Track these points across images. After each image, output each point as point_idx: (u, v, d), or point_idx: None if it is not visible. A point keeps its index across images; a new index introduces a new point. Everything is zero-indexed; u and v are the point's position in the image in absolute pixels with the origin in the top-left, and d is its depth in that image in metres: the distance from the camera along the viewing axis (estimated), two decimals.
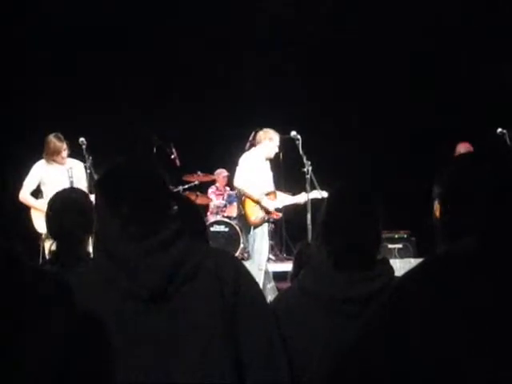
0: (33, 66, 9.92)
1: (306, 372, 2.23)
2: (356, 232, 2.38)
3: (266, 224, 7.76)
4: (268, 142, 7.64)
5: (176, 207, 2.24)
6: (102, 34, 10.03)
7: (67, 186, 6.85)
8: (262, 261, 7.33)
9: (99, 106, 10.02)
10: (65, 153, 7.31)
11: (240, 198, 7.90)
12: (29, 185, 7.36)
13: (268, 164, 7.76)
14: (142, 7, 10.26)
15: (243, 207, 7.83)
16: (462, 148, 8.51)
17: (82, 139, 7.43)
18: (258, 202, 7.64)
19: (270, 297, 6.87)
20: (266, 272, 6.97)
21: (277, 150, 7.69)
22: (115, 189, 2.18)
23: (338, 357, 1.69)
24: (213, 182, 10.94)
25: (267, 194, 7.69)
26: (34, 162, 7.43)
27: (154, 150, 9.69)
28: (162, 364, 2.00)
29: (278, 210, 7.68)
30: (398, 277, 2.39)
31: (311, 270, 2.44)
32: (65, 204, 3.25)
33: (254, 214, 7.67)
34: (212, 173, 10.70)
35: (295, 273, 3.27)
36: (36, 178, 7.37)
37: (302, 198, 7.69)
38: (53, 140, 7.28)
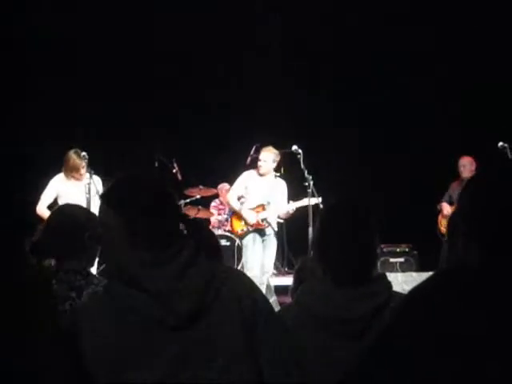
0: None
1: None
2: (351, 248, 2.34)
3: (256, 236, 7.90)
4: (262, 162, 7.87)
5: (184, 230, 2.22)
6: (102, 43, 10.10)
7: (83, 200, 7.06)
8: (255, 273, 7.42)
9: (99, 119, 10.07)
10: (83, 170, 7.42)
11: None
12: (46, 198, 7.43)
13: (266, 179, 7.97)
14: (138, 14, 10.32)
15: (231, 220, 8.42)
16: (466, 161, 8.52)
17: (83, 154, 7.44)
18: (239, 213, 8.00)
19: None
20: (268, 286, 7.00)
21: (269, 166, 7.90)
22: (130, 206, 2.11)
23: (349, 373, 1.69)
24: (215, 196, 10.93)
25: (255, 207, 7.90)
26: (53, 173, 7.55)
27: (156, 164, 9.69)
28: None
29: (263, 220, 7.83)
30: (397, 292, 2.39)
31: (308, 288, 2.43)
32: (56, 220, 3.28)
33: (238, 226, 8.06)
34: (215, 187, 10.70)
35: (295, 288, 3.26)
36: (53, 191, 7.47)
37: (305, 201, 7.84)
38: (72, 156, 7.41)
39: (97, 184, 7.48)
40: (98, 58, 10.17)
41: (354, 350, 2.15)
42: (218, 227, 10.21)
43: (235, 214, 8.23)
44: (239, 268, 9.24)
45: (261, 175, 7.95)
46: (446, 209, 8.65)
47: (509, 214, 1.57)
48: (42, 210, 7.30)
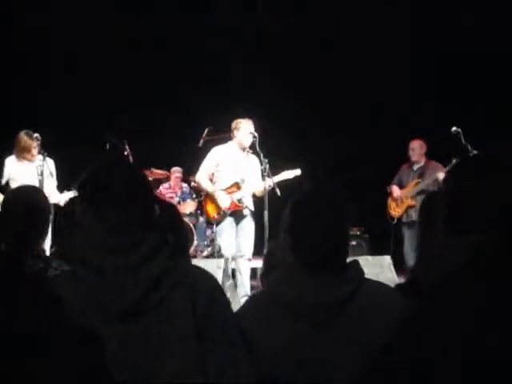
0: None
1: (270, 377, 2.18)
2: (323, 235, 2.31)
3: (232, 219, 7.48)
4: (236, 132, 7.48)
5: (158, 211, 2.20)
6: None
7: (36, 182, 6.92)
8: (227, 257, 7.19)
9: (51, 100, 9.90)
10: (35, 150, 7.30)
11: (200, 194, 7.86)
12: None
13: (240, 154, 7.55)
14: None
15: (204, 203, 7.73)
16: (415, 145, 8.59)
17: (36, 135, 7.32)
18: (213, 196, 7.50)
19: (228, 293, 6.87)
20: (225, 270, 6.93)
21: (249, 137, 7.42)
22: (101, 192, 2.12)
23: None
24: (166, 180, 10.85)
25: (229, 187, 7.49)
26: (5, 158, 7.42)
27: (107, 146, 9.55)
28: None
29: (239, 201, 7.42)
30: (368, 279, 2.37)
31: (279, 275, 2.40)
32: (16, 205, 3.22)
33: (213, 210, 7.53)
34: (167, 170, 10.62)
35: (265, 273, 3.23)
36: (5, 174, 7.36)
37: (283, 174, 7.43)
38: (24, 137, 7.31)
39: (50, 165, 7.37)
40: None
41: (324, 337, 2.18)
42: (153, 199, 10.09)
43: (208, 197, 7.63)
44: (192, 251, 9.25)
45: (243, 149, 7.49)
46: (396, 191, 8.70)
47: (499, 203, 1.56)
48: None
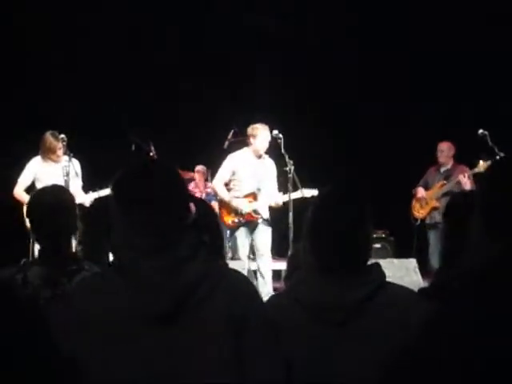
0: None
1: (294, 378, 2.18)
2: (344, 238, 2.29)
3: (247, 229, 7.52)
4: (252, 139, 7.47)
5: (194, 214, 2.18)
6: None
7: (61, 183, 6.91)
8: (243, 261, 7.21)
9: (76, 100, 9.96)
10: (60, 151, 7.36)
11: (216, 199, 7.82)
12: (23, 181, 7.39)
13: (258, 162, 7.53)
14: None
15: (219, 210, 7.63)
16: (444, 147, 8.52)
17: (62, 136, 7.37)
18: (228, 204, 7.49)
19: None
20: (249, 270, 6.95)
21: (266, 144, 7.44)
22: (130, 194, 2.11)
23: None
24: (191, 180, 10.85)
25: (246, 196, 7.50)
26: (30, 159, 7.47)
27: (132, 147, 9.59)
28: None
29: (255, 211, 7.42)
30: (389, 282, 2.35)
31: (300, 277, 2.39)
32: (47, 202, 3.20)
33: (229, 217, 7.52)
34: (192, 170, 10.63)
35: (288, 275, 3.23)
36: (31, 174, 7.42)
37: (299, 193, 7.42)
38: (49, 138, 7.36)
39: (75, 166, 7.42)
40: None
41: (341, 338, 2.18)
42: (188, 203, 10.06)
43: (224, 205, 7.58)
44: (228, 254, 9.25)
45: (259, 157, 7.48)
46: (421, 192, 8.64)
47: None
48: (20, 192, 7.30)
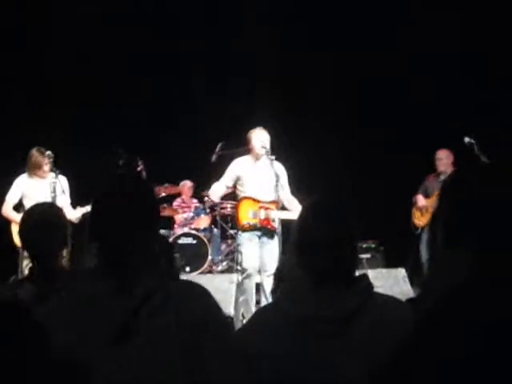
0: None
1: None
2: (332, 248, 2.28)
3: (254, 235, 7.20)
4: (249, 144, 7.34)
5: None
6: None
7: (48, 199, 6.99)
8: (250, 272, 7.04)
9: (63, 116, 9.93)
10: (47, 167, 7.34)
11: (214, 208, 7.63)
12: (11, 199, 7.38)
13: (264, 164, 7.31)
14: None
15: (236, 208, 7.35)
16: (442, 155, 8.48)
17: (48, 152, 7.34)
18: (247, 202, 7.21)
19: (242, 309, 6.84)
20: (239, 285, 6.89)
21: (263, 145, 7.21)
22: (104, 216, 2.16)
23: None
24: (179, 195, 10.85)
25: (269, 203, 7.17)
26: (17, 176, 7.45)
27: (120, 162, 9.56)
28: None
29: (274, 220, 7.11)
30: (378, 293, 2.35)
31: (287, 288, 2.38)
32: (39, 220, 3.23)
33: (245, 217, 7.20)
34: (177, 184, 10.64)
35: (275, 288, 3.22)
36: (18, 191, 7.40)
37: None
38: (35, 154, 7.36)
39: (62, 183, 7.39)
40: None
41: (330, 350, 2.17)
42: (184, 225, 10.12)
43: (243, 202, 7.25)
44: (206, 266, 9.23)
45: (259, 159, 7.30)
46: (421, 201, 8.60)
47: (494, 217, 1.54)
48: (7, 211, 7.28)
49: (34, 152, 7.36)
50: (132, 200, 2.18)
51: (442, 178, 8.47)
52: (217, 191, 7.56)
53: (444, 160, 8.46)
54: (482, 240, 1.54)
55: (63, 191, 7.33)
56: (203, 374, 2.02)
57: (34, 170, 7.36)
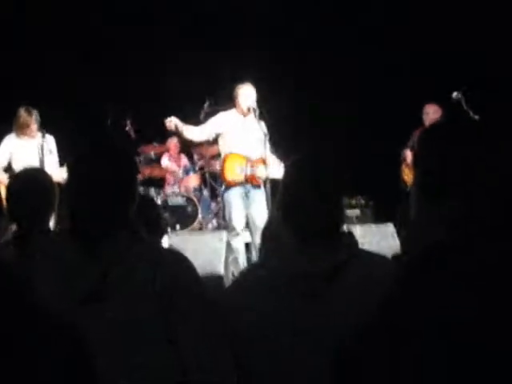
0: None
1: (266, 351, 2.20)
2: (317, 205, 2.29)
3: (241, 190, 7.05)
4: (236, 99, 7.18)
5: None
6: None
7: (36, 161, 6.97)
8: (239, 231, 6.93)
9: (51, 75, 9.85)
10: (34, 126, 7.25)
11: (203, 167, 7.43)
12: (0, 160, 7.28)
13: (246, 121, 7.15)
14: None
15: (223, 163, 7.17)
16: (429, 109, 8.37)
17: (35, 112, 7.28)
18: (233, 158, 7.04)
19: (232, 268, 6.86)
20: (228, 243, 6.88)
21: (249, 101, 7.04)
22: (80, 180, 2.19)
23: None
24: (167, 151, 10.76)
25: (257, 160, 7.01)
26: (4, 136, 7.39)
27: (108, 122, 9.52)
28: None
29: (259, 178, 6.98)
30: (361, 249, 2.37)
31: (273, 247, 2.40)
32: (25, 184, 3.26)
33: (233, 174, 7.03)
34: (164, 141, 10.58)
35: (261, 247, 3.23)
36: (6, 151, 7.31)
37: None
38: (22, 113, 7.26)
39: (49, 142, 7.32)
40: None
41: (315, 306, 2.18)
42: (173, 184, 10.09)
43: (232, 157, 7.06)
44: (196, 225, 9.24)
45: (245, 116, 7.12)
46: (409, 157, 8.47)
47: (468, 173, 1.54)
48: None
49: (21, 111, 7.26)
50: (105, 170, 2.20)
51: None
52: (192, 130, 7.29)
53: (430, 115, 8.32)
54: (461, 195, 1.54)
55: (50, 151, 7.27)
56: (178, 332, 2.06)
57: (21, 129, 7.26)
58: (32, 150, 7.20)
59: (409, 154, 8.47)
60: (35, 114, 7.24)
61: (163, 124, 7.14)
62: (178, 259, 2.21)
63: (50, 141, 7.37)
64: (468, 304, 1.39)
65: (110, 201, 2.17)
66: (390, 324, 1.49)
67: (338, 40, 10.32)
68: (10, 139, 7.36)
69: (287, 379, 2.18)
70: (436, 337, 1.39)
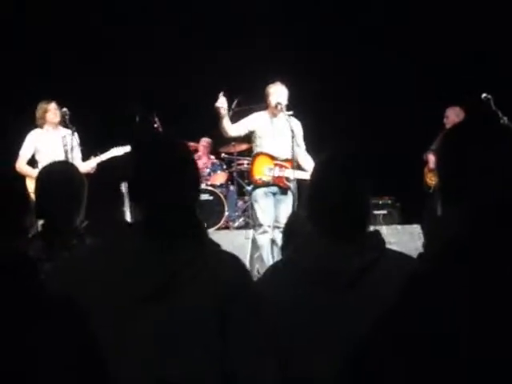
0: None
1: (294, 349, 2.20)
2: (343, 205, 2.30)
3: (269, 189, 7.10)
4: (266, 98, 7.20)
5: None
6: None
7: (61, 153, 7.09)
8: (265, 229, 6.96)
9: (79, 73, 9.91)
10: (55, 111, 7.39)
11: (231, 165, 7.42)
12: (24, 154, 7.38)
13: (277, 123, 7.16)
14: None
15: (251, 162, 7.30)
16: (450, 112, 8.40)
17: (64, 109, 7.39)
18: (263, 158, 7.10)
19: (257, 265, 6.89)
20: (254, 241, 6.91)
21: (278, 103, 7.04)
22: (141, 174, 2.16)
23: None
24: (196, 151, 10.84)
25: (284, 160, 7.05)
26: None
27: (137, 118, 9.56)
28: (148, 364, 1.99)
29: (287, 179, 6.99)
30: (390, 249, 2.37)
31: (300, 244, 2.40)
32: (55, 178, 3.23)
33: (260, 173, 7.10)
34: (197, 141, 10.62)
35: (284, 245, 3.24)
36: (31, 145, 7.41)
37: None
38: (41, 104, 7.41)
39: (76, 138, 7.39)
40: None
41: (341, 304, 2.19)
42: (200, 181, 10.10)
43: (261, 158, 7.12)
44: (222, 222, 9.27)
45: (273, 115, 7.14)
46: (432, 162, 8.53)
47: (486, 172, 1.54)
48: (22, 166, 7.29)
49: (41, 104, 7.43)
50: (177, 162, 2.16)
51: None
52: (229, 122, 7.24)
53: (450, 118, 8.35)
54: (478, 195, 1.55)
55: (75, 146, 7.32)
56: (230, 338, 2.03)
57: (43, 118, 7.40)
58: (57, 142, 7.32)
59: (431, 157, 8.48)
60: (64, 112, 7.34)
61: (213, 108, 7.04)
62: (238, 265, 2.18)
63: (76, 137, 7.41)
64: (488, 299, 1.40)
65: (185, 194, 2.16)
66: (407, 319, 1.50)
67: (369, 42, 10.31)
68: (34, 132, 7.46)
69: (308, 375, 2.19)
70: (454, 332, 1.40)
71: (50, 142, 7.36)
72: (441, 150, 1.71)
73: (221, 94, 7.01)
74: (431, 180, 8.55)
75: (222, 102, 6.96)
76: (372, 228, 2.40)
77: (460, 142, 1.65)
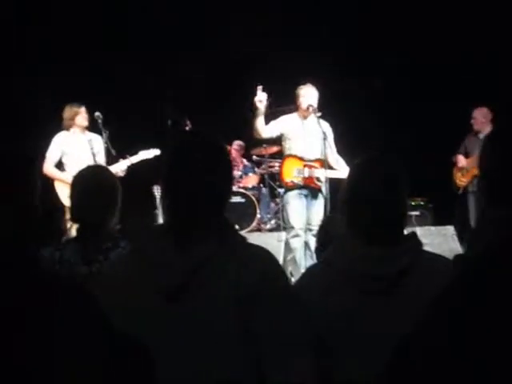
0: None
1: (333, 351, 2.19)
2: (381, 207, 2.29)
3: (300, 191, 7.06)
4: (297, 100, 7.21)
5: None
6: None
7: (89, 156, 7.09)
8: (297, 232, 6.94)
9: (111, 77, 9.97)
10: (85, 115, 7.40)
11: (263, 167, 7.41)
12: (51, 157, 7.37)
13: (307, 124, 7.15)
14: None
15: (281, 165, 7.28)
16: (477, 113, 8.39)
17: (97, 113, 7.42)
18: (292, 160, 7.08)
19: (290, 268, 6.88)
20: (287, 243, 6.91)
21: (309, 105, 7.06)
22: (175, 174, 2.14)
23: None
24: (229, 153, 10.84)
25: (313, 161, 7.05)
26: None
27: (169, 122, 9.60)
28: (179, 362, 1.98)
29: (318, 179, 6.97)
30: (426, 251, 2.35)
31: (337, 246, 2.39)
32: (89, 183, 3.25)
33: (290, 174, 7.05)
34: (229, 144, 10.64)
35: (319, 247, 3.23)
36: (57, 148, 7.40)
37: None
38: (67, 107, 7.43)
39: (98, 141, 7.45)
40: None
41: (381, 307, 2.18)
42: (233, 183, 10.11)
43: (290, 160, 7.10)
44: (255, 224, 9.27)
45: (304, 117, 7.13)
46: (461, 161, 8.54)
47: None
48: (50, 169, 7.28)
49: (67, 107, 7.43)
50: (210, 159, 2.14)
51: (481, 136, 8.33)
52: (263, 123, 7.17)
53: (478, 119, 8.37)
54: None
55: (101, 149, 7.38)
56: (259, 329, 1.99)
57: (71, 121, 7.39)
58: (83, 145, 7.34)
59: (460, 159, 8.49)
60: (97, 116, 7.36)
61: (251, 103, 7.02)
62: (266, 257, 2.13)
63: (99, 140, 7.47)
64: None
65: (216, 193, 2.15)
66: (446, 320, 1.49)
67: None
68: (61, 135, 7.46)
69: (346, 379, 2.18)
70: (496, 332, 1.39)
71: (77, 145, 7.37)
72: (484, 150, 1.69)
73: (259, 89, 6.92)
74: (460, 181, 8.55)
75: (261, 97, 6.88)
76: (407, 230, 2.39)
77: (503, 143, 1.63)
